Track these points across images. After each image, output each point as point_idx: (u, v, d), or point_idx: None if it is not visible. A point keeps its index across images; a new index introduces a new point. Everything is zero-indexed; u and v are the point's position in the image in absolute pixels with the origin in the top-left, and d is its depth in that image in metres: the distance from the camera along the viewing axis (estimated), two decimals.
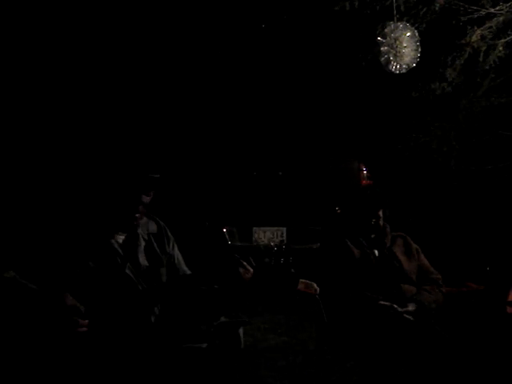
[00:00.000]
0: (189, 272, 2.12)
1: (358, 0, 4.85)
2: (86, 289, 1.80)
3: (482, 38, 4.88)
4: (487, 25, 4.83)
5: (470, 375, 2.59)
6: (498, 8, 4.73)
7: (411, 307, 2.75)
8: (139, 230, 2.02)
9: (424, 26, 4.92)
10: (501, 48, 4.89)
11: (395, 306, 2.73)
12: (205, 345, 2.00)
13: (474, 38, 4.88)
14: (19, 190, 5.92)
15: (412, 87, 5.56)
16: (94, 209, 1.98)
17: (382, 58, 3.96)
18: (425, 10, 4.93)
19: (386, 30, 3.91)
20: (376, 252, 2.95)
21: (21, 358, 1.70)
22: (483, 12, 4.76)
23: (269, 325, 4.68)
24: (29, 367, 1.71)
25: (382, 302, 2.74)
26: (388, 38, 3.90)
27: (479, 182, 6.14)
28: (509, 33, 4.86)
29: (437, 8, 4.88)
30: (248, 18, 7.68)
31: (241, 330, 2.28)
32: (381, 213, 2.97)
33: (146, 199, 1.95)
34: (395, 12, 4.14)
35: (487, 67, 5.07)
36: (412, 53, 3.94)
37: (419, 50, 3.97)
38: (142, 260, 1.97)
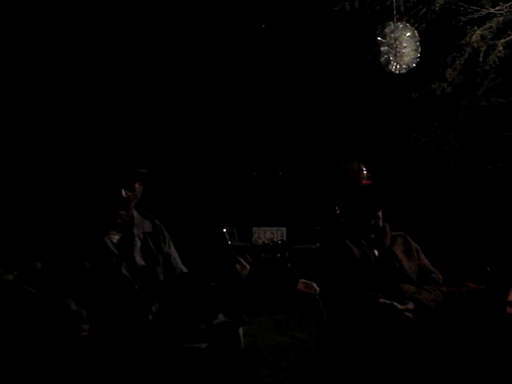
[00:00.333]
0: (185, 270, 2.10)
1: (358, 0, 4.85)
2: (84, 290, 1.79)
3: (482, 38, 4.89)
4: (487, 25, 4.84)
5: (470, 375, 2.59)
6: (497, 8, 4.74)
7: (411, 306, 2.75)
8: (134, 230, 2.00)
9: (424, 26, 4.92)
10: (501, 48, 4.89)
11: (395, 303, 2.73)
12: (205, 345, 2.00)
13: (473, 38, 4.89)
14: (11, 192, 5.92)
15: (412, 87, 5.56)
16: (80, 207, 1.96)
17: (382, 58, 3.97)
18: (425, 10, 4.93)
19: (386, 30, 3.92)
20: (376, 252, 2.95)
21: (22, 361, 1.70)
22: (483, 12, 4.76)
23: (269, 325, 4.68)
24: (30, 370, 1.70)
25: (381, 300, 2.74)
26: (388, 38, 3.90)
27: (479, 182, 6.14)
28: (509, 33, 4.86)
29: (437, 8, 4.89)
30: (248, 18, 7.69)
31: (241, 330, 2.28)
32: (380, 213, 2.97)
33: (128, 193, 1.91)
34: (395, 12, 4.15)
35: (487, 67, 5.07)
36: (412, 53, 3.94)
37: (419, 49, 3.97)
38: (139, 259, 1.96)
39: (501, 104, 5.42)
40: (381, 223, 2.97)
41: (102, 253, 1.89)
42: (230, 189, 6.28)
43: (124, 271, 1.89)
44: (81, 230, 1.90)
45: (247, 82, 8.21)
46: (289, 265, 1.99)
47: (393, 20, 4.05)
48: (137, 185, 1.94)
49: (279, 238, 5.97)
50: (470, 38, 4.91)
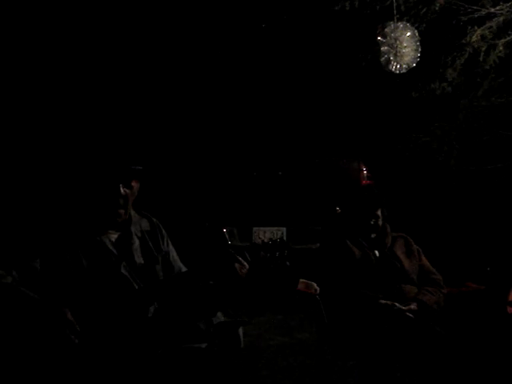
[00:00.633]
0: (184, 268, 2.10)
1: (358, 0, 4.85)
2: (82, 291, 1.78)
3: (482, 37, 4.88)
4: (487, 25, 4.84)
5: (470, 375, 2.59)
6: (498, 8, 4.74)
7: (413, 306, 2.75)
8: (132, 228, 1.99)
9: (424, 26, 4.92)
10: (501, 48, 4.89)
11: (396, 304, 2.73)
12: (204, 345, 2.00)
13: (474, 38, 4.88)
14: (9, 191, 5.91)
15: (412, 87, 5.55)
16: (78, 206, 1.95)
17: (382, 58, 3.97)
18: (425, 10, 4.93)
19: (386, 30, 3.92)
20: (376, 252, 2.95)
21: (17, 365, 1.69)
22: (483, 12, 4.76)
23: (269, 325, 4.67)
24: (25, 374, 1.70)
25: (382, 301, 2.74)
26: (388, 38, 3.90)
27: (479, 182, 6.14)
28: (509, 33, 4.86)
29: (437, 8, 4.89)
30: (248, 17, 7.69)
31: (241, 330, 2.28)
32: (379, 212, 2.97)
33: (126, 191, 1.90)
34: (395, 12, 4.15)
35: (487, 67, 5.07)
36: (412, 53, 3.94)
37: (419, 49, 3.97)
38: (138, 258, 1.95)
39: (501, 104, 5.41)
40: (380, 222, 2.97)
41: (100, 252, 1.88)
42: (230, 189, 6.28)
43: (123, 271, 1.88)
44: (79, 229, 1.89)
45: (247, 82, 8.21)
46: (288, 263, 1.99)
47: (393, 20, 4.05)
48: (134, 182, 1.93)
49: (279, 237, 5.97)
50: (470, 37, 4.91)
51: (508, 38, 4.87)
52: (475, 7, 4.78)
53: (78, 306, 1.72)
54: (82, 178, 1.93)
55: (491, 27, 4.84)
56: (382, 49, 3.94)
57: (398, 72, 4.01)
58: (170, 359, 1.85)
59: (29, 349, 1.66)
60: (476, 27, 4.86)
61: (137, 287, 1.88)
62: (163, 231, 2.10)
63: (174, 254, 2.11)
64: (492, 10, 4.75)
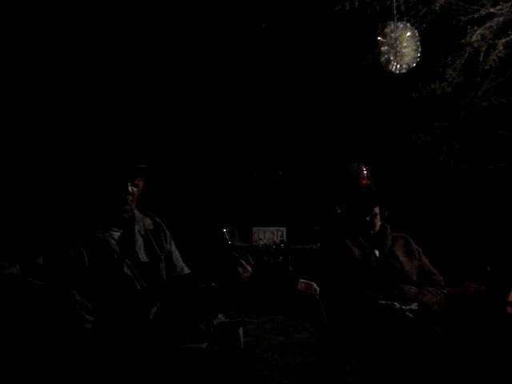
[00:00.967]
0: (187, 269, 2.10)
1: (358, 0, 4.85)
2: (85, 287, 1.79)
3: (482, 37, 4.88)
4: (487, 24, 4.83)
5: (470, 375, 2.59)
6: (498, 8, 4.74)
7: (414, 306, 2.75)
8: (136, 226, 2.00)
9: (424, 26, 4.92)
10: (501, 48, 4.89)
11: (396, 303, 2.73)
12: (204, 345, 2.00)
13: (474, 38, 4.88)
14: (16, 188, 5.92)
15: (412, 87, 5.55)
16: (83, 202, 1.97)
17: (382, 58, 3.97)
18: (425, 10, 4.93)
19: (386, 30, 3.92)
20: (377, 252, 2.95)
21: (26, 354, 1.70)
22: (483, 12, 4.76)
23: (269, 325, 4.67)
24: (34, 362, 1.71)
25: (382, 301, 2.74)
26: (388, 38, 3.90)
27: (480, 182, 6.14)
28: (509, 33, 4.85)
29: (437, 8, 4.88)
30: (248, 17, 7.68)
31: (241, 330, 2.28)
32: (377, 210, 2.97)
33: (133, 189, 1.93)
34: (395, 12, 4.15)
35: (487, 67, 5.07)
36: (412, 53, 3.94)
37: (419, 49, 3.98)
38: (141, 256, 1.96)
39: (501, 104, 5.41)
40: (378, 220, 2.98)
41: (103, 249, 1.89)
42: (230, 189, 6.27)
43: (126, 270, 1.89)
44: (82, 226, 1.90)
45: (247, 82, 8.21)
46: (291, 268, 2.00)
47: (393, 20, 4.05)
48: (139, 181, 1.96)
49: (279, 238, 5.97)
50: (470, 37, 4.91)
51: (508, 38, 4.86)
52: (475, 7, 4.77)
53: (84, 297, 1.72)
54: (90, 176, 1.95)
55: (491, 27, 4.84)
56: (381, 49, 3.94)
57: (397, 72, 4.01)
58: (170, 359, 1.85)
59: (37, 336, 1.67)
60: (476, 27, 4.86)
61: (139, 286, 1.89)
62: (166, 231, 2.11)
63: (176, 254, 2.12)
64: (492, 10, 4.75)
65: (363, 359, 2.64)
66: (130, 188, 1.92)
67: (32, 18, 6.71)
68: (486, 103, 5.44)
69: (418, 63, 4.02)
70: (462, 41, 5.00)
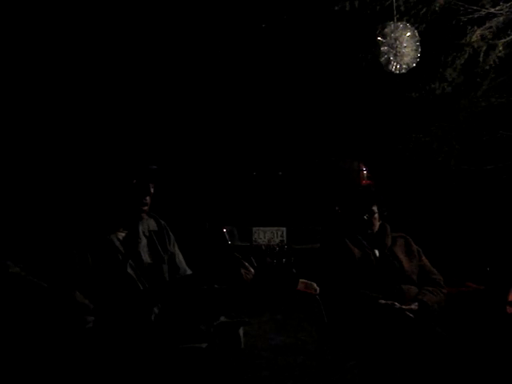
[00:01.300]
0: (189, 271, 2.12)
1: (358, 0, 4.85)
2: (88, 287, 1.80)
3: (482, 37, 4.88)
4: (487, 25, 4.84)
5: (470, 375, 2.59)
6: (498, 8, 4.74)
7: (414, 306, 2.76)
8: (140, 227, 2.01)
9: (424, 26, 4.92)
10: (501, 48, 4.89)
11: (396, 303, 2.73)
12: (205, 345, 2.00)
13: (474, 38, 4.88)
14: (22, 187, 5.92)
15: (412, 87, 5.55)
16: (96, 203, 1.98)
17: (382, 58, 3.97)
18: (425, 10, 4.93)
19: (386, 30, 3.92)
20: (376, 252, 2.95)
21: (26, 352, 1.71)
22: (483, 12, 4.76)
23: (269, 325, 4.67)
24: (35, 361, 1.71)
25: (382, 301, 2.74)
26: (388, 38, 3.90)
27: (479, 182, 6.14)
28: (509, 33, 4.86)
29: (437, 8, 4.89)
30: (248, 17, 7.68)
31: (241, 330, 2.28)
32: (375, 209, 2.98)
33: (152, 191, 1.99)
34: (395, 12, 4.15)
35: (487, 67, 5.07)
36: (412, 53, 3.94)
37: (419, 50, 3.97)
38: (145, 257, 1.97)
39: (501, 104, 5.41)
40: (376, 219, 2.98)
41: (107, 249, 1.90)
42: (230, 189, 6.27)
43: (129, 270, 1.90)
44: (88, 227, 1.91)
45: (247, 82, 8.21)
46: (294, 270, 2.00)
47: (393, 20, 4.05)
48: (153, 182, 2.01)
49: (279, 238, 5.97)
50: (470, 37, 4.91)
51: (508, 38, 4.87)
52: (475, 7, 4.77)
53: (86, 297, 1.73)
54: (108, 176, 1.97)
55: (491, 27, 4.84)
56: (381, 49, 3.94)
57: (397, 72, 4.01)
58: (171, 359, 1.85)
59: (38, 334, 1.68)
60: (476, 27, 4.86)
61: (142, 287, 1.90)
62: (170, 233, 2.13)
63: (180, 256, 2.13)
64: (492, 10, 4.75)
65: (363, 359, 2.64)
66: (151, 189, 1.97)
67: (35, 19, 6.71)
68: (486, 103, 5.44)
69: (417, 63, 4.02)
70: (462, 41, 5.00)
